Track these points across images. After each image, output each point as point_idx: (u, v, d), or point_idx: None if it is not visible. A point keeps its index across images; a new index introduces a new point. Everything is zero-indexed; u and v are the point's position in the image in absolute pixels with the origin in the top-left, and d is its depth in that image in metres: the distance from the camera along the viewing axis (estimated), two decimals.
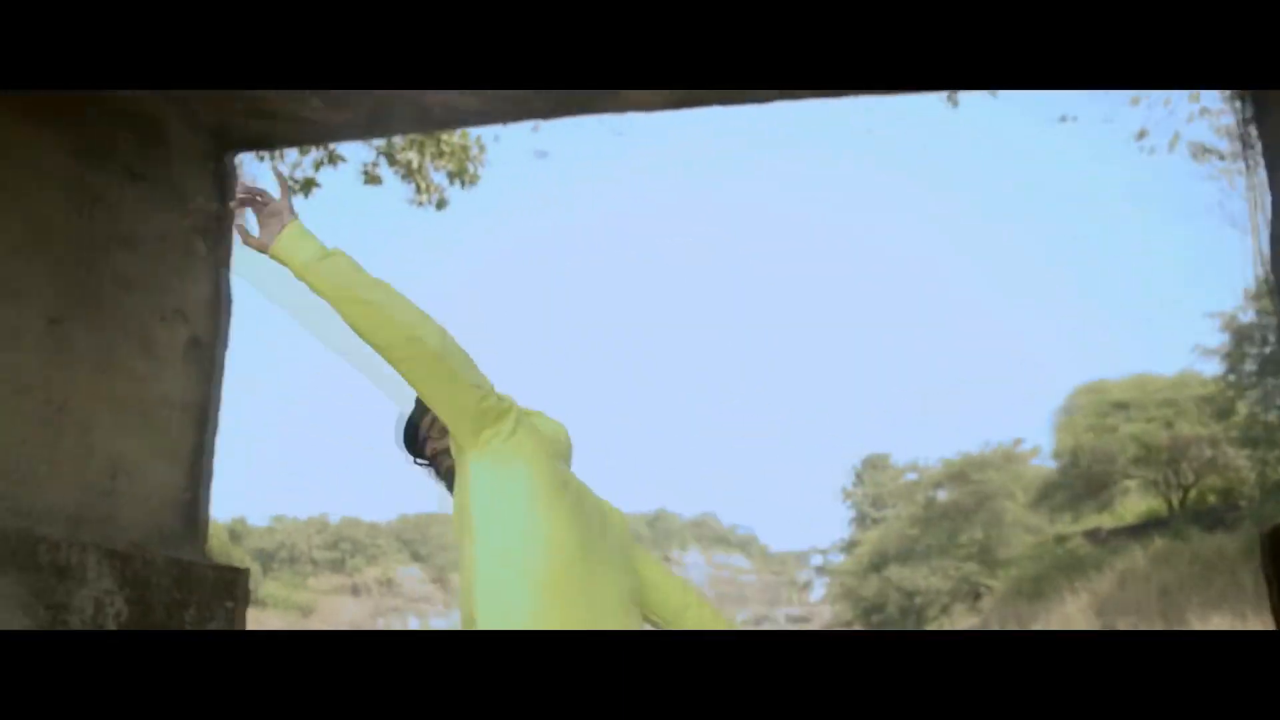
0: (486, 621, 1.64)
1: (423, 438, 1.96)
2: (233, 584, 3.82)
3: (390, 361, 1.69)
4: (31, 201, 3.35)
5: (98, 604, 3.16)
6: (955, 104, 4.38)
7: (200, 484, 3.99)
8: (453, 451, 1.83)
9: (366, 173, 5.50)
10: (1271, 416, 19.24)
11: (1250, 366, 19.83)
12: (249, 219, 1.80)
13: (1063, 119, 4.94)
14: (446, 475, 1.92)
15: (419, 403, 1.93)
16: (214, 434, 4.11)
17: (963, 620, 27.30)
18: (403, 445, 2.00)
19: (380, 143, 5.31)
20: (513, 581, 1.65)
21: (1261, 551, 3.55)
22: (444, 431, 1.85)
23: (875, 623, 31.38)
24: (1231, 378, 20.40)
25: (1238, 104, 4.12)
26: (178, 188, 4.04)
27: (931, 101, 4.25)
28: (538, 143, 10.79)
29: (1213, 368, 21.71)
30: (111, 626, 3.19)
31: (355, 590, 50.02)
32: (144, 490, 3.66)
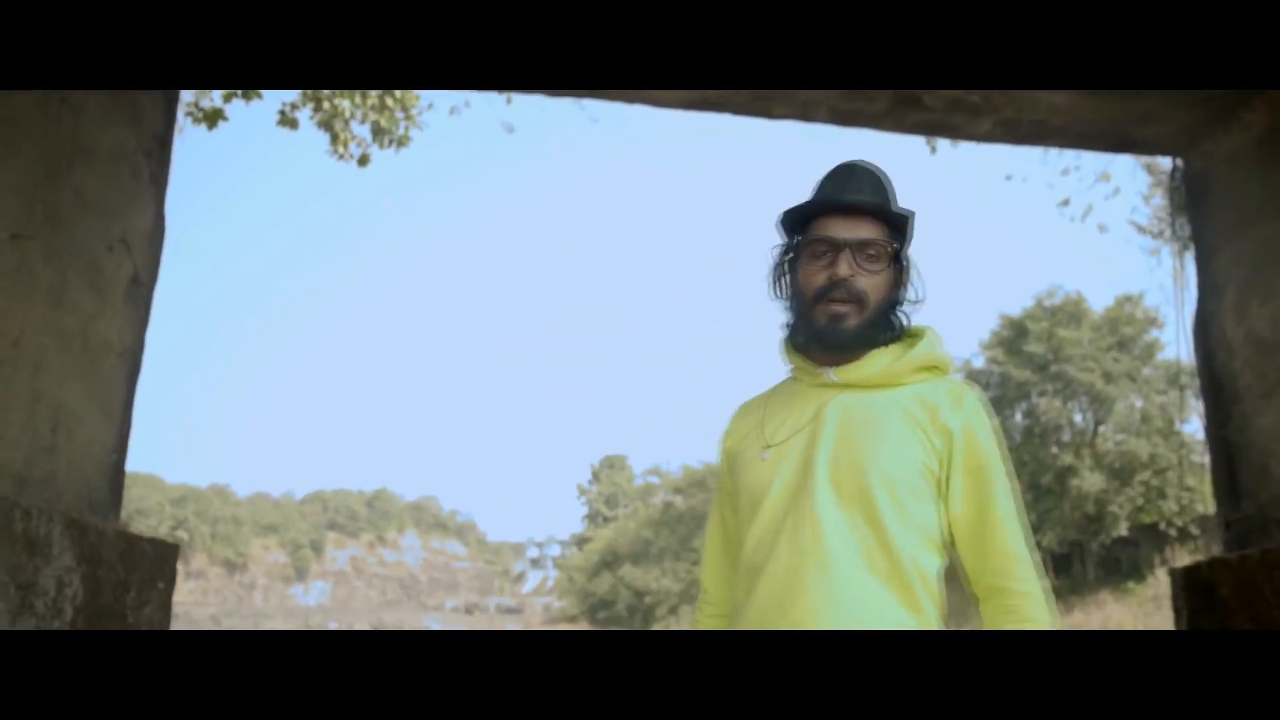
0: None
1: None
2: (164, 561, 3.35)
3: None
4: (4, 92, 2.79)
5: (59, 584, 2.67)
6: (934, 150, 4.59)
7: (125, 443, 3.47)
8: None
9: (283, 114, 4.99)
10: None
11: None
12: None
13: (1009, 177, 5.30)
14: (830, 332, 1.65)
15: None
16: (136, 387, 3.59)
17: (688, 621, 28.50)
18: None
19: None
20: None
21: (1173, 586, 3.95)
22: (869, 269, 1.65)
23: (602, 619, 32.09)
24: None
25: (1167, 188, 4.59)
26: (132, 100, 3.50)
27: (916, 144, 4.43)
28: (509, 115, 10.08)
29: None
30: (69, 611, 2.70)
31: None
32: (80, 448, 3.13)
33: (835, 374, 1.68)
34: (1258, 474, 3.74)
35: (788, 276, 1.74)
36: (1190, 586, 3.79)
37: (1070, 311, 20.25)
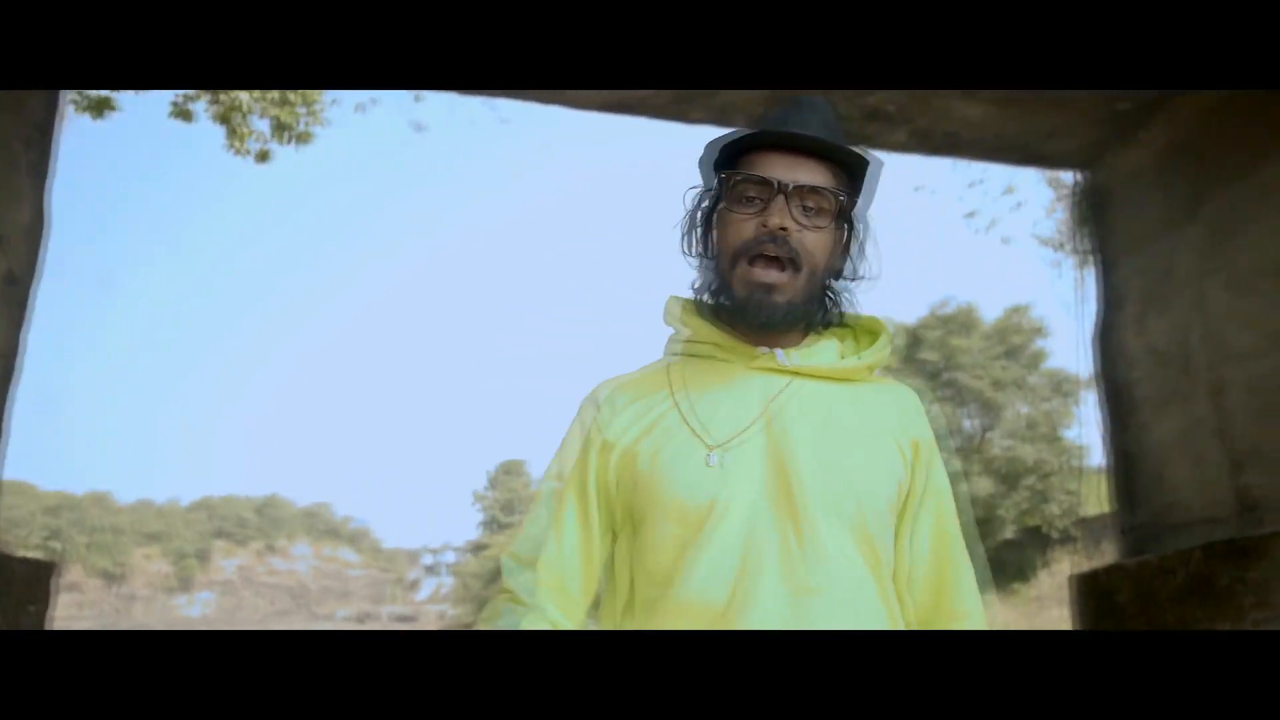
0: None
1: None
2: (38, 580, 3.12)
3: None
4: None
5: None
6: None
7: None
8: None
9: (176, 105, 4.74)
10: None
11: None
12: None
13: (918, 188, 5.37)
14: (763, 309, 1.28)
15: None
16: (13, 391, 3.34)
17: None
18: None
19: None
20: None
21: (1071, 592, 4.04)
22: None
23: None
24: None
25: (1070, 202, 4.71)
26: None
27: None
28: (418, 114, 9.69)
29: None
30: None
31: None
32: None
33: (787, 356, 1.33)
34: (1153, 482, 3.85)
35: (701, 228, 1.38)
36: (1088, 592, 3.88)
37: (962, 321, 20.93)
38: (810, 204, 1.29)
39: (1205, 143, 3.72)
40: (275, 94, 4.76)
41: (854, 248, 1.38)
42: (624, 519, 1.33)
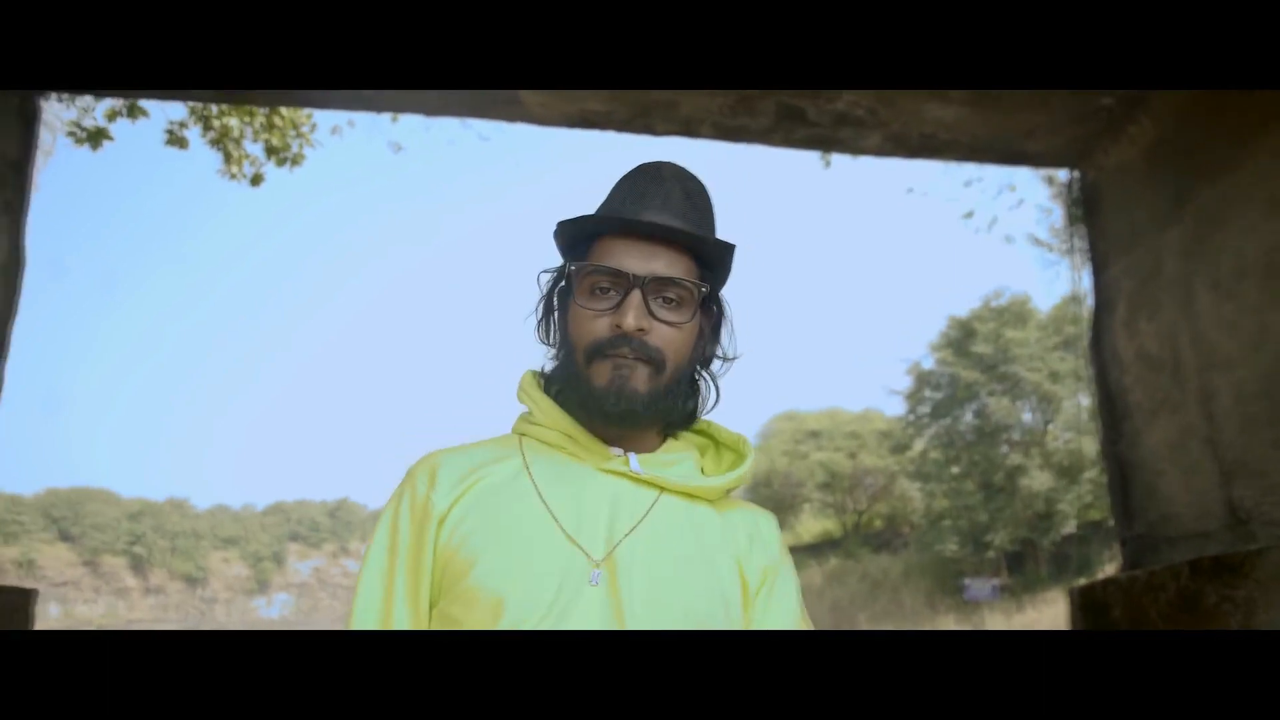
0: None
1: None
2: (15, 610, 3.20)
3: None
4: None
5: None
6: (828, 164, 4.53)
7: None
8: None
9: (171, 133, 4.84)
10: (939, 454, 21.60)
11: (926, 409, 22.21)
12: None
13: (910, 190, 5.25)
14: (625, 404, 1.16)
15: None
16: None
17: None
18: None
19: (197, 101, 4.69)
20: None
21: (1070, 605, 3.91)
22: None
23: None
24: (910, 417, 22.77)
25: (1064, 200, 4.56)
26: None
27: (810, 159, 4.37)
28: (395, 134, 9.97)
29: (895, 407, 24.10)
30: None
31: None
32: None
33: (642, 464, 1.22)
34: (1147, 493, 3.70)
35: (555, 314, 1.26)
36: (1086, 606, 3.74)
37: (1016, 312, 20.44)
38: (670, 295, 1.18)
39: (1189, 138, 3.56)
40: (262, 118, 4.84)
41: (723, 331, 1.28)
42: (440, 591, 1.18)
